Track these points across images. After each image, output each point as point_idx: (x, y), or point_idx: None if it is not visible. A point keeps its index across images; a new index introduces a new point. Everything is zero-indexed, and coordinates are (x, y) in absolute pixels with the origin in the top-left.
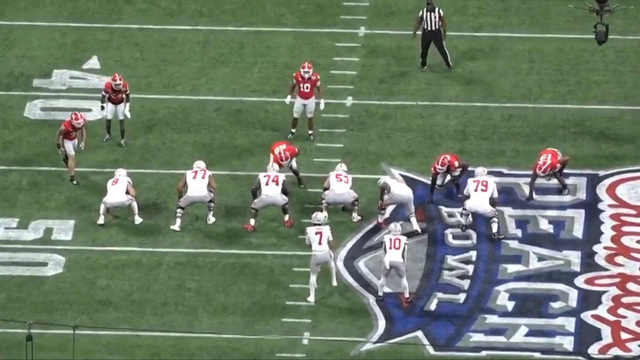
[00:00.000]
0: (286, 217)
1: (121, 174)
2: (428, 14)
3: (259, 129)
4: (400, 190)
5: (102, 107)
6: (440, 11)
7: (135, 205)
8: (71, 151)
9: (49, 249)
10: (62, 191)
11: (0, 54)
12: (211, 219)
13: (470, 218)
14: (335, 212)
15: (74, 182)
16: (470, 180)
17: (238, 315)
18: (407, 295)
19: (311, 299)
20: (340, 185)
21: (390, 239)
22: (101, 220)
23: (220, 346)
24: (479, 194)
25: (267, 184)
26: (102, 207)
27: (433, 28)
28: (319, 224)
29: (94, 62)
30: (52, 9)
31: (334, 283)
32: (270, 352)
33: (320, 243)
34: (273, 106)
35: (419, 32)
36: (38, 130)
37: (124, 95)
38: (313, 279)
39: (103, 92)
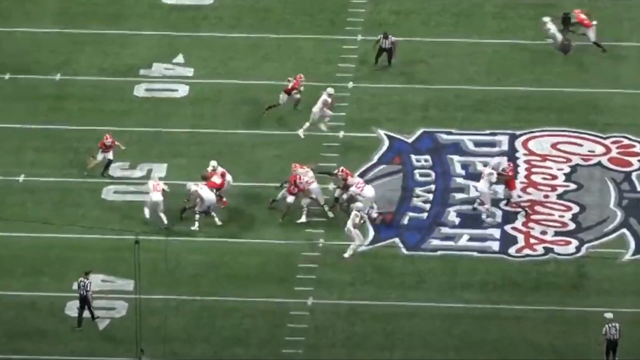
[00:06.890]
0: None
1: None
2: (384, 40)
3: (292, 103)
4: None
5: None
6: (392, 38)
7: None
8: (100, 157)
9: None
10: (159, 145)
11: (118, 52)
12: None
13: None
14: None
15: (85, 173)
16: (355, 185)
17: (276, 228)
18: (165, 222)
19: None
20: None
21: (153, 184)
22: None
23: (263, 249)
24: (368, 187)
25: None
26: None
27: (386, 47)
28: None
29: (179, 58)
30: (152, 22)
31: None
32: (299, 251)
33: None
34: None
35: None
36: (143, 104)
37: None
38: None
39: (101, 148)
